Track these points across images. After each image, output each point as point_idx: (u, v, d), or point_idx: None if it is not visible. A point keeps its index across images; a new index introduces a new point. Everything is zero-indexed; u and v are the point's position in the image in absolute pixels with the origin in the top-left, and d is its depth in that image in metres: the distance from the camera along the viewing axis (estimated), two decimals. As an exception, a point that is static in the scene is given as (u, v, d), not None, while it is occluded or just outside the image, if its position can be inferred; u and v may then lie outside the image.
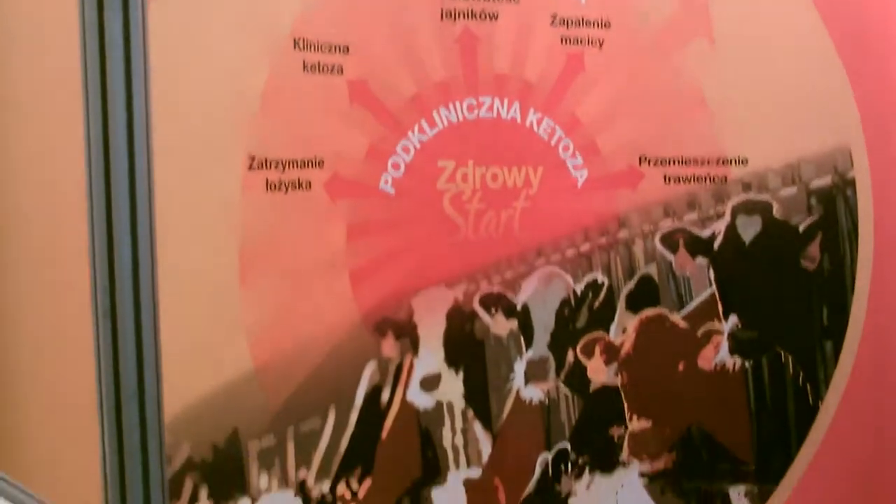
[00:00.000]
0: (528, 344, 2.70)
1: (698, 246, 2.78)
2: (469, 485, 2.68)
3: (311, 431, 2.54)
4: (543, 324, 2.70)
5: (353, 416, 2.57)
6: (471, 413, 2.67)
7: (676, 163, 2.76)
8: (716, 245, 2.79)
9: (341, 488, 2.57)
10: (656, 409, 2.80)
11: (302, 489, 2.54)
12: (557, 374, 2.72)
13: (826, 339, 2.90)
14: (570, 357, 2.73)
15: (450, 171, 2.61)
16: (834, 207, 2.86)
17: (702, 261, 2.79)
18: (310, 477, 2.54)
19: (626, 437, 2.78)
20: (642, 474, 2.80)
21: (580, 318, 2.73)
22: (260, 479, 2.50)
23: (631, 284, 2.77)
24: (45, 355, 2.41)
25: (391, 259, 2.56)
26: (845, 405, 2.91)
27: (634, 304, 2.77)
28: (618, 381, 2.77)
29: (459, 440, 2.66)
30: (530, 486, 2.72)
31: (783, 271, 2.85)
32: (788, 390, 2.87)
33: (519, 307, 2.68)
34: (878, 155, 2.88)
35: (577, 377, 2.74)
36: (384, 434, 2.60)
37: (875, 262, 2.91)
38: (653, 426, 2.79)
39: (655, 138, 2.76)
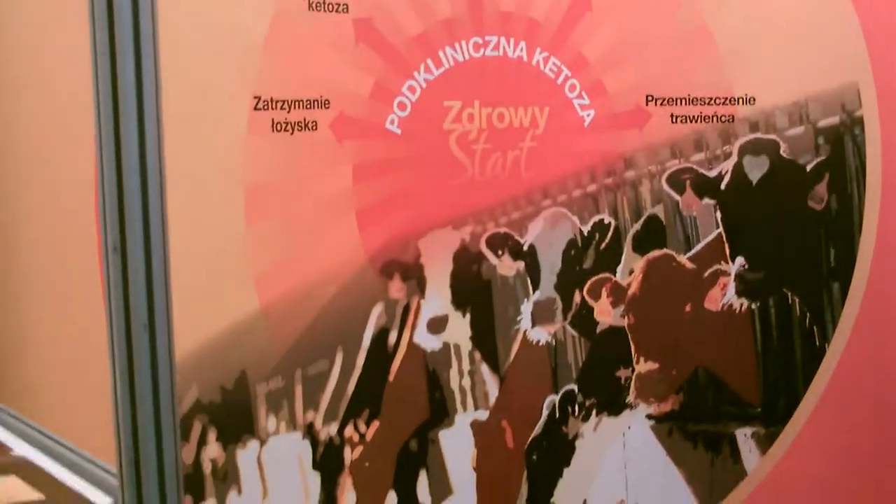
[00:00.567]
0: (535, 285, 2.69)
1: (705, 186, 2.77)
2: (476, 427, 2.68)
3: (319, 374, 2.54)
4: (550, 265, 2.70)
5: (361, 359, 2.57)
6: (478, 355, 2.67)
7: (684, 102, 2.75)
8: (723, 185, 2.78)
9: (349, 430, 2.57)
10: (663, 350, 2.80)
11: (310, 431, 2.54)
12: (564, 315, 2.71)
13: (833, 281, 2.90)
14: (576, 298, 2.73)
15: (456, 111, 2.59)
16: (842, 147, 2.85)
17: (709, 201, 2.78)
18: (318, 419, 2.54)
19: (633, 379, 2.79)
20: (649, 416, 2.80)
21: (587, 259, 2.73)
22: (268, 422, 2.50)
23: (637, 225, 2.76)
24: (54, 294, 2.42)
25: (397, 200, 2.56)
26: (852, 347, 2.91)
27: (641, 246, 2.77)
28: (625, 323, 2.77)
29: (467, 382, 2.66)
30: (537, 427, 2.72)
31: (790, 212, 2.84)
32: (795, 332, 2.87)
33: (526, 248, 2.68)
34: (887, 92, 2.86)
35: (583, 319, 2.74)
36: (391, 376, 2.61)
37: (883, 201, 2.90)
38: (660, 368, 2.79)
39: (663, 77, 2.74)
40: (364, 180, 2.53)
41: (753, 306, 2.82)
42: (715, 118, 2.77)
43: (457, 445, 2.67)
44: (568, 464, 2.75)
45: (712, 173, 2.78)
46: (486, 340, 2.68)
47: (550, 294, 2.70)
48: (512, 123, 2.64)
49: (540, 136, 2.66)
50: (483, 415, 2.68)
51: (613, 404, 2.78)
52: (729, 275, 2.79)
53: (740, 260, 2.79)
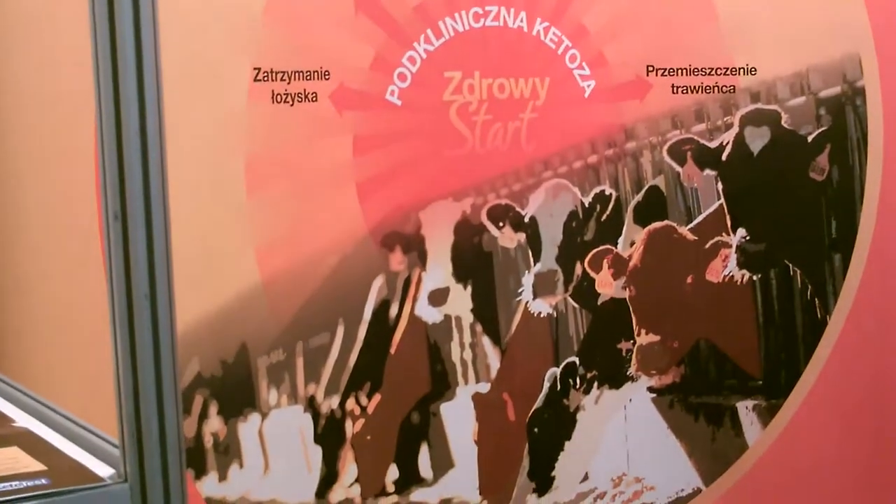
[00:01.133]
0: (536, 257, 2.69)
1: (706, 157, 2.76)
2: (478, 399, 2.68)
3: (320, 346, 2.54)
4: (551, 237, 2.69)
5: (362, 332, 2.57)
6: (479, 327, 2.67)
7: (684, 72, 2.74)
8: (724, 156, 2.77)
9: (350, 403, 2.57)
10: (664, 322, 2.80)
11: (311, 404, 2.54)
12: (565, 287, 2.71)
13: (834, 252, 2.89)
14: (578, 270, 2.72)
15: (456, 82, 2.58)
16: (843, 117, 2.84)
17: (710, 172, 2.77)
18: (319, 392, 2.55)
19: (635, 351, 2.78)
20: (650, 389, 2.80)
21: (588, 230, 2.72)
22: (269, 395, 2.50)
23: (639, 197, 2.75)
24: (56, 264, 2.42)
25: (398, 171, 2.55)
26: (853, 318, 2.90)
27: (642, 217, 2.76)
28: (626, 295, 2.76)
29: (468, 355, 2.66)
30: (539, 400, 2.72)
31: (791, 183, 2.84)
32: (796, 304, 2.87)
33: (527, 220, 2.67)
34: (889, 63, 2.85)
35: (585, 291, 2.74)
36: (393, 349, 2.61)
37: (885, 172, 2.89)
38: (661, 340, 2.79)
39: (663, 48, 2.73)
40: (364, 152, 2.52)
41: (755, 278, 2.82)
42: (716, 88, 2.76)
43: (458, 418, 2.67)
44: (569, 437, 2.75)
45: (713, 144, 2.77)
46: (488, 313, 2.68)
47: (552, 266, 2.69)
48: (512, 94, 2.63)
49: (540, 107, 2.65)
50: (484, 387, 2.68)
51: (615, 377, 2.78)
52: (730, 246, 2.79)
53: (741, 231, 2.78)
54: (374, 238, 2.55)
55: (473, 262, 2.65)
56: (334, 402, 2.56)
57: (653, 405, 2.81)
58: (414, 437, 2.65)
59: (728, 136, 2.77)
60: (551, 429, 2.74)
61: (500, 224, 2.66)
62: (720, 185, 2.78)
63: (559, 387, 2.73)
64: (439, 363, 2.65)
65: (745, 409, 2.86)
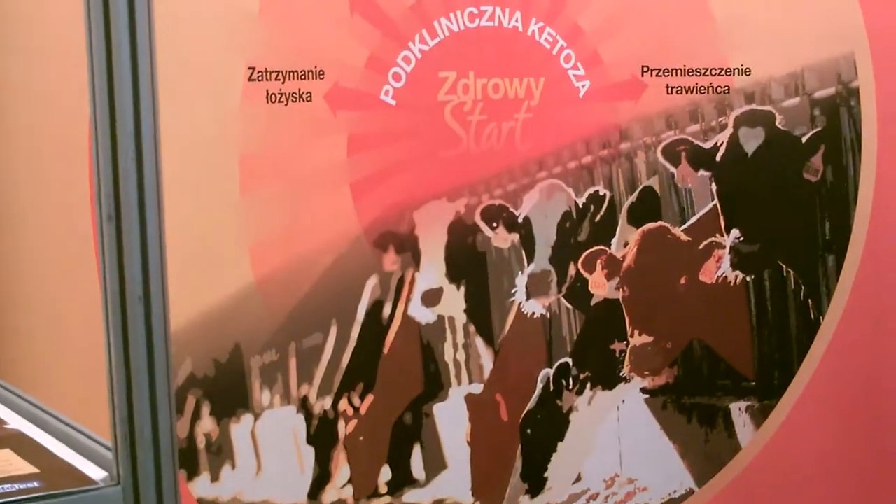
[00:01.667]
0: (530, 258, 2.68)
1: (701, 158, 2.76)
2: (471, 400, 2.68)
3: (314, 347, 2.53)
4: (545, 237, 2.69)
5: (355, 332, 2.57)
6: (472, 328, 2.67)
7: (679, 73, 2.73)
8: (718, 157, 2.77)
9: (343, 404, 2.57)
10: (658, 323, 2.79)
11: (304, 405, 2.54)
12: (559, 288, 2.71)
13: (828, 254, 2.89)
14: (571, 271, 2.72)
15: (451, 82, 2.58)
16: (837, 118, 2.84)
17: (704, 173, 2.77)
18: (312, 393, 2.54)
19: (628, 352, 2.78)
20: (643, 390, 2.79)
21: (582, 231, 2.72)
22: (262, 395, 2.50)
23: (633, 197, 2.75)
24: (49, 266, 2.41)
25: (392, 171, 2.55)
26: (847, 319, 2.90)
27: (636, 218, 2.76)
28: (619, 296, 2.76)
29: (461, 355, 2.66)
30: (532, 401, 2.72)
31: (786, 184, 2.83)
32: (790, 305, 2.87)
33: (521, 220, 2.66)
34: (883, 63, 2.85)
35: (578, 291, 2.73)
36: (386, 349, 2.60)
37: (879, 173, 2.89)
38: (654, 341, 2.79)
39: (658, 48, 2.73)
40: (359, 151, 2.52)
41: (748, 279, 2.81)
42: (710, 89, 2.75)
43: (451, 419, 2.66)
44: (562, 438, 2.75)
45: (708, 145, 2.76)
46: (481, 313, 2.68)
47: (545, 266, 2.69)
48: (507, 94, 2.62)
49: (535, 107, 2.64)
50: (477, 388, 2.68)
51: (608, 378, 2.77)
52: (724, 247, 2.78)
53: (735, 232, 2.78)
54: (368, 238, 2.55)
55: (467, 262, 2.65)
56: (327, 402, 2.56)
57: (646, 406, 2.80)
58: (407, 438, 2.64)
59: (722, 137, 2.77)
60: (544, 430, 2.73)
61: (494, 224, 2.65)
62: (714, 186, 2.78)
63: (552, 388, 2.73)
64: (432, 364, 2.65)
65: (739, 410, 2.86)
